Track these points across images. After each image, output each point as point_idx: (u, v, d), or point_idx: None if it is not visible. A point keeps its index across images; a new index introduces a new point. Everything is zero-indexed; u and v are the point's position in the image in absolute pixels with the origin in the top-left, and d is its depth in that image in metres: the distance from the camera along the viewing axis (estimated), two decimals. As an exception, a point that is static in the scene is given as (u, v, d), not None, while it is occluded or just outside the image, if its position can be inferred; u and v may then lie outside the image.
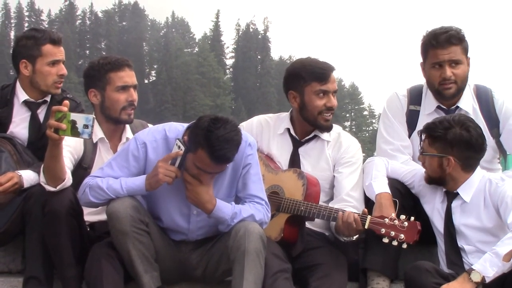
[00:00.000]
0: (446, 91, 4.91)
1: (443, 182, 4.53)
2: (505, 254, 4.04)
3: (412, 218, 4.35)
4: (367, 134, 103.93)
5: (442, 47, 4.85)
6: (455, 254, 4.49)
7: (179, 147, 4.25)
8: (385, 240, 4.36)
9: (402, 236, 4.32)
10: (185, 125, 4.45)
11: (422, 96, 5.12)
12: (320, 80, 4.85)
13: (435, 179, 4.54)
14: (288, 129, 5.02)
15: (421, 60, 5.04)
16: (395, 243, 4.34)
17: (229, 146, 4.11)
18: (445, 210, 4.55)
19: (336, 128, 5.06)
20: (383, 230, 4.36)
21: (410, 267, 4.33)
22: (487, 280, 4.04)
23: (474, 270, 4.06)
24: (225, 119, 4.15)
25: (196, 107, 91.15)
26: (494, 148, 5.01)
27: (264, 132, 5.09)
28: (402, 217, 4.36)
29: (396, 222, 4.34)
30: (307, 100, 4.88)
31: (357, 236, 4.58)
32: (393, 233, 4.33)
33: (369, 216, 4.43)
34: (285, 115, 5.10)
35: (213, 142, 4.07)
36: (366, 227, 4.41)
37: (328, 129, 4.93)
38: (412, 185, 4.79)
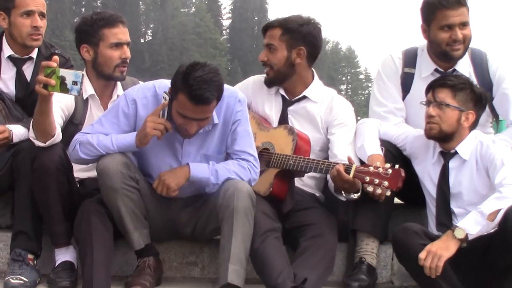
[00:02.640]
0: (454, 52, 4.86)
1: (450, 138, 4.49)
2: (489, 213, 4.05)
3: (397, 166, 4.32)
4: (363, 98, 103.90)
5: (453, 9, 4.78)
6: (445, 216, 4.50)
7: (165, 99, 4.22)
8: (370, 188, 4.32)
9: (386, 183, 4.28)
10: None
11: (417, 59, 5.08)
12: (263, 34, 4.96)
13: (445, 134, 4.47)
14: (278, 88, 5.00)
15: (421, 22, 4.96)
16: (379, 190, 4.31)
17: (207, 86, 4.05)
18: (441, 171, 4.54)
19: (330, 91, 5.07)
20: (367, 178, 4.32)
21: (398, 229, 4.33)
22: (470, 238, 4.04)
23: (458, 227, 4.07)
24: (204, 63, 4.11)
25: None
26: (487, 112, 4.99)
27: (258, 91, 5.08)
28: (387, 165, 4.34)
29: (381, 169, 4.30)
30: None
31: (358, 194, 4.53)
32: (377, 181, 4.30)
33: (354, 165, 4.40)
34: None
35: (190, 83, 4.02)
36: (351, 175, 4.37)
37: (266, 83, 4.98)
38: (404, 147, 4.78)
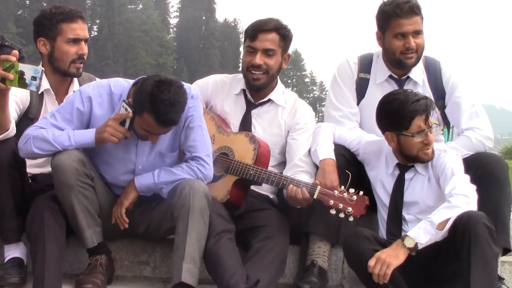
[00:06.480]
0: (407, 60, 4.92)
1: None
2: (439, 223, 4.11)
3: (361, 193, 4.35)
4: (308, 101, 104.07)
5: (406, 17, 4.83)
6: (397, 225, 4.54)
7: (126, 109, 4.19)
8: (332, 211, 4.34)
9: (350, 209, 4.31)
10: (131, 81, 4.38)
11: (372, 65, 5.14)
12: (249, 37, 4.88)
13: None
14: (244, 90, 5.00)
15: (376, 29, 5.00)
16: (342, 215, 4.33)
17: (174, 109, 4.06)
18: (396, 183, 4.57)
19: (292, 94, 5.10)
20: (331, 202, 4.34)
21: (349, 233, 4.37)
22: (420, 247, 4.10)
23: (408, 236, 4.12)
24: (169, 81, 4.08)
25: (137, 65, 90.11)
26: (439, 120, 5.07)
27: (219, 91, 5.06)
28: (352, 190, 4.35)
29: (345, 195, 4.33)
30: (242, 57, 4.97)
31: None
32: (341, 206, 4.32)
33: (318, 187, 4.41)
34: (242, 76, 5.05)
35: (158, 107, 4.02)
36: (315, 197, 4.40)
37: (256, 88, 4.91)
38: (358, 152, 4.82)
